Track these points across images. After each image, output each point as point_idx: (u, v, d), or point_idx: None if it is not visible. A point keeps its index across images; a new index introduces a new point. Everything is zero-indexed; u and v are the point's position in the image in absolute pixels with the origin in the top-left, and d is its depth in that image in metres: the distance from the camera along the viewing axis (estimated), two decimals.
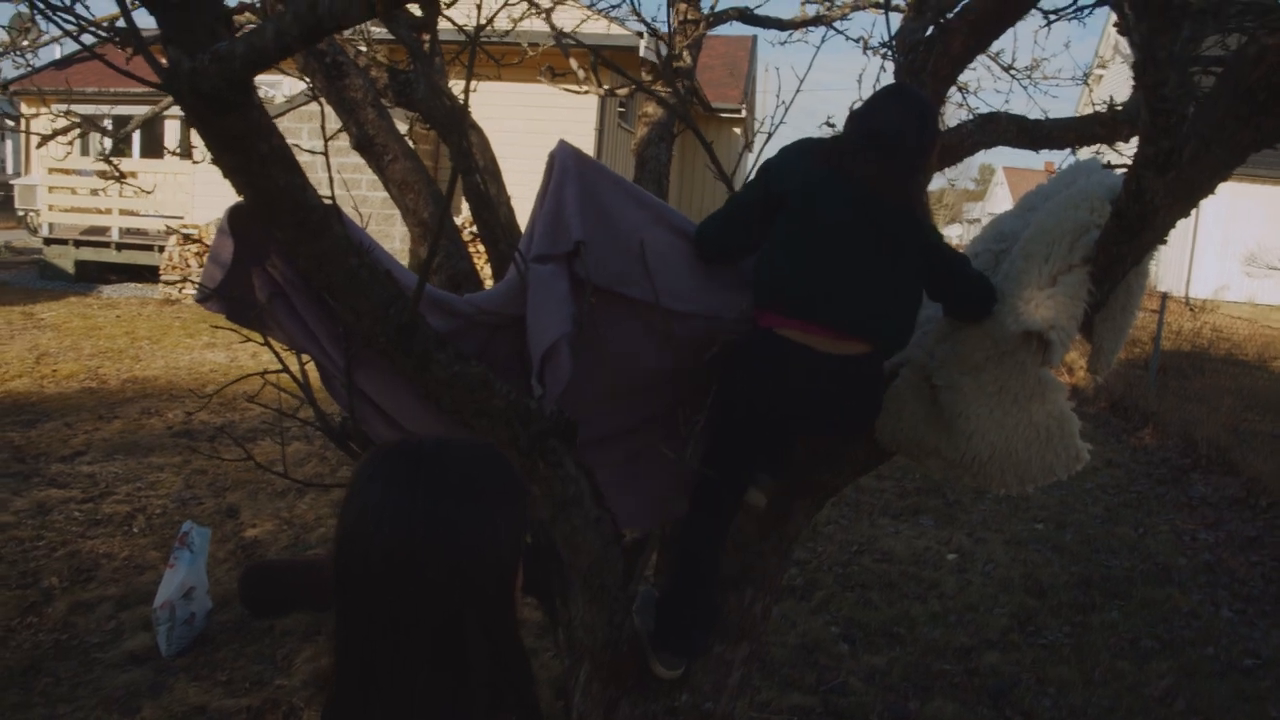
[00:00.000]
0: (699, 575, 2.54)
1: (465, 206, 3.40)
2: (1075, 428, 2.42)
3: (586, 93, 4.41)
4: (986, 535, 6.09)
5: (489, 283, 3.30)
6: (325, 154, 2.30)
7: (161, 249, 14.48)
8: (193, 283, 12.91)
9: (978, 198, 57.33)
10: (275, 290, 2.36)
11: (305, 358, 2.55)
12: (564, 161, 2.31)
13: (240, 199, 1.88)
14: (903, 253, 2.24)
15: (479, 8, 2.93)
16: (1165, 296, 11.85)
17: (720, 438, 2.47)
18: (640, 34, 6.52)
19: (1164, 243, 2.26)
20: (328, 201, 2.25)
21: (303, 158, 1.75)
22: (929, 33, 3.09)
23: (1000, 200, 49.01)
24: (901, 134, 2.25)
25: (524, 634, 4.14)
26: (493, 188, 3.27)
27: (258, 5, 3.57)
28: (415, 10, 3.44)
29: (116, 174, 5.04)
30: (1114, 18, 2.81)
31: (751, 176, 2.38)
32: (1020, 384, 2.32)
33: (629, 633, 2.49)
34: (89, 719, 3.60)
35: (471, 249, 3.89)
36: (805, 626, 4.60)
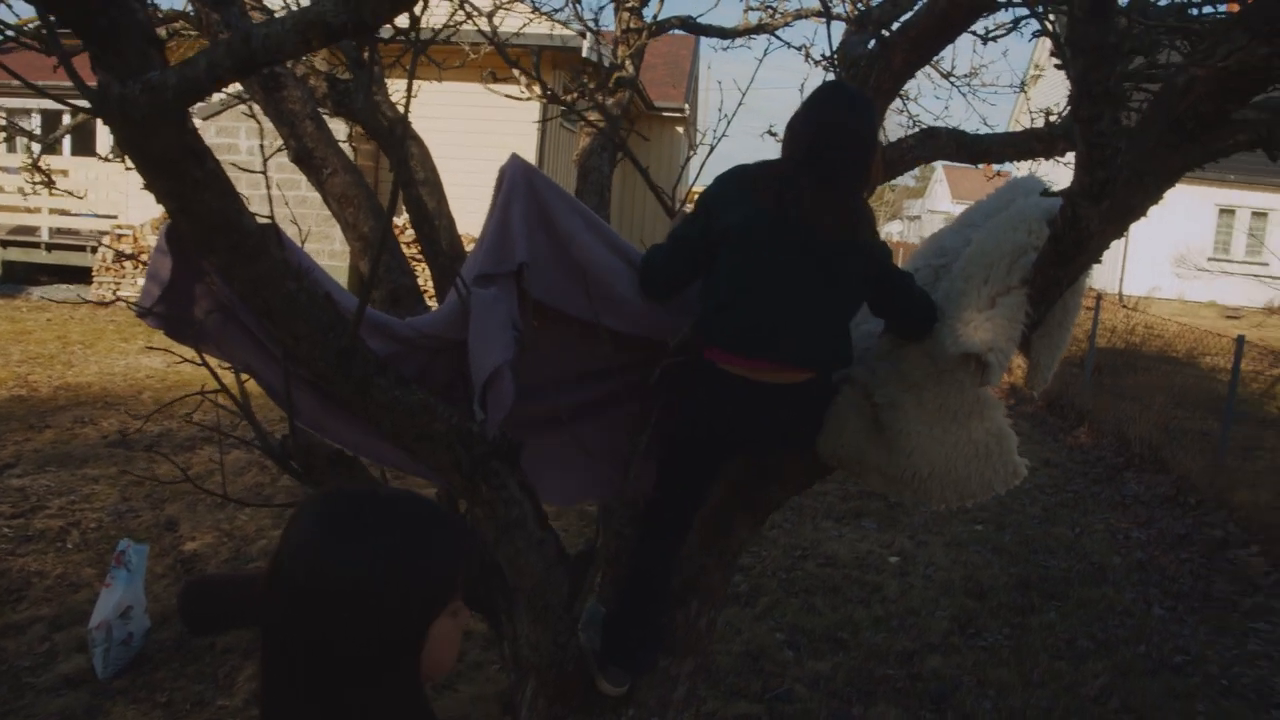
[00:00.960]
0: (649, 594, 2.56)
1: (406, 213, 3.36)
2: (1013, 444, 2.46)
3: (528, 99, 4.38)
4: (927, 538, 6.18)
5: (430, 298, 3.27)
6: (264, 173, 2.27)
7: (94, 249, 14.14)
8: (128, 302, 12.65)
9: (918, 194, 58.09)
10: (218, 306, 2.32)
11: (245, 376, 2.51)
12: (514, 177, 2.29)
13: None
14: (844, 281, 2.27)
15: (420, 13, 2.89)
16: (1100, 297, 12.12)
17: (667, 460, 2.48)
18: (583, 34, 6.50)
19: (1099, 262, 2.31)
20: (266, 221, 2.22)
21: (242, 157, 1.72)
22: (871, 46, 3.12)
23: (940, 197, 49.71)
24: (844, 151, 2.27)
25: (470, 646, 4.10)
26: (433, 200, 3.24)
27: (191, 14, 3.49)
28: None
29: (46, 179, 4.91)
30: (1053, 15, 2.86)
31: (690, 209, 2.38)
32: (959, 402, 2.35)
33: (574, 651, 2.49)
34: None
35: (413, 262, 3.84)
36: (750, 634, 4.62)
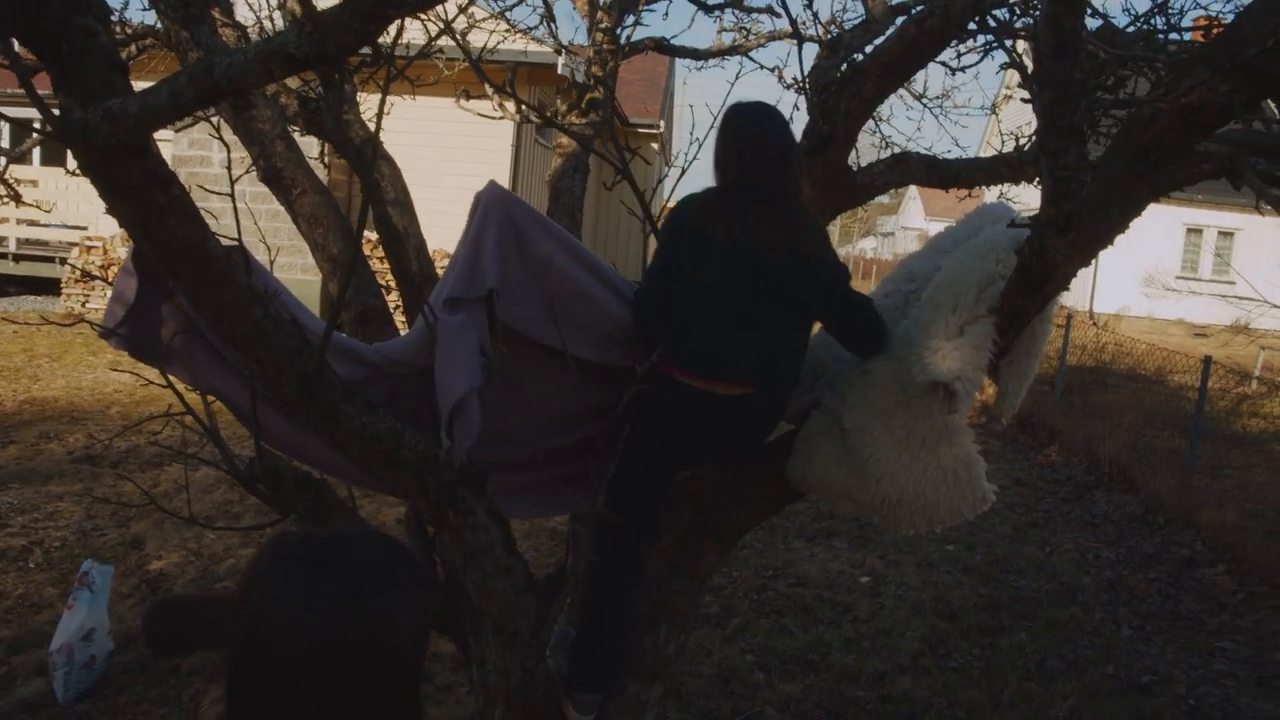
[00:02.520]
0: (612, 617, 2.56)
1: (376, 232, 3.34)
2: (982, 470, 2.47)
3: (501, 118, 4.38)
4: (899, 557, 6.19)
5: (399, 319, 3.25)
6: (232, 195, 2.25)
7: (63, 261, 13.99)
8: (92, 324, 12.52)
9: (891, 211, 58.54)
10: (184, 328, 2.29)
11: (211, 397, 2.48)
12: (488, 204, 2.29)
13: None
14: (792, 302, 2.38)
15: (395, 36, 2.89)
16: (1070, 316, 12.23)
17: (619, 480, 2.48)
18: (559, 51, 6.52)
19: (1066, 290, 2.33)
20: (233, 243, 2.20)
21: (216, 170, 1.70)
22: (842, 72, 3.14)
23: (913, 214, 50.08)
24: (769, 165, 2.41)
25: (439, 668, 4.06)
26: (404, 220, 3.22)
27: (160, 29, 3.47)
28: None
29: (13, 195, 4.85)
30: (1021, 47, 2.89)
31: (661, 239, 2.46)
32: (928, 429, 2.36)
33: (542, 677, 2.48)
34: None
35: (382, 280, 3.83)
36: (721, 655, 4.61)
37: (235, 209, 2.05)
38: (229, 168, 2.22)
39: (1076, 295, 22.40)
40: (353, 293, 2.99)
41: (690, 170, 3.22)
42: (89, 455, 7.01)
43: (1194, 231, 23.38)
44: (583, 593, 2.76)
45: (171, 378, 2.38)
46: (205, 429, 2.46)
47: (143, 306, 2.23)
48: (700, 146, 3.20)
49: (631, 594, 2.61)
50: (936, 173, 3.32)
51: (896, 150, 4.90)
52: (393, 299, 3.83)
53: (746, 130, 2.46)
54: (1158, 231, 21.72)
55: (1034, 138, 1.71)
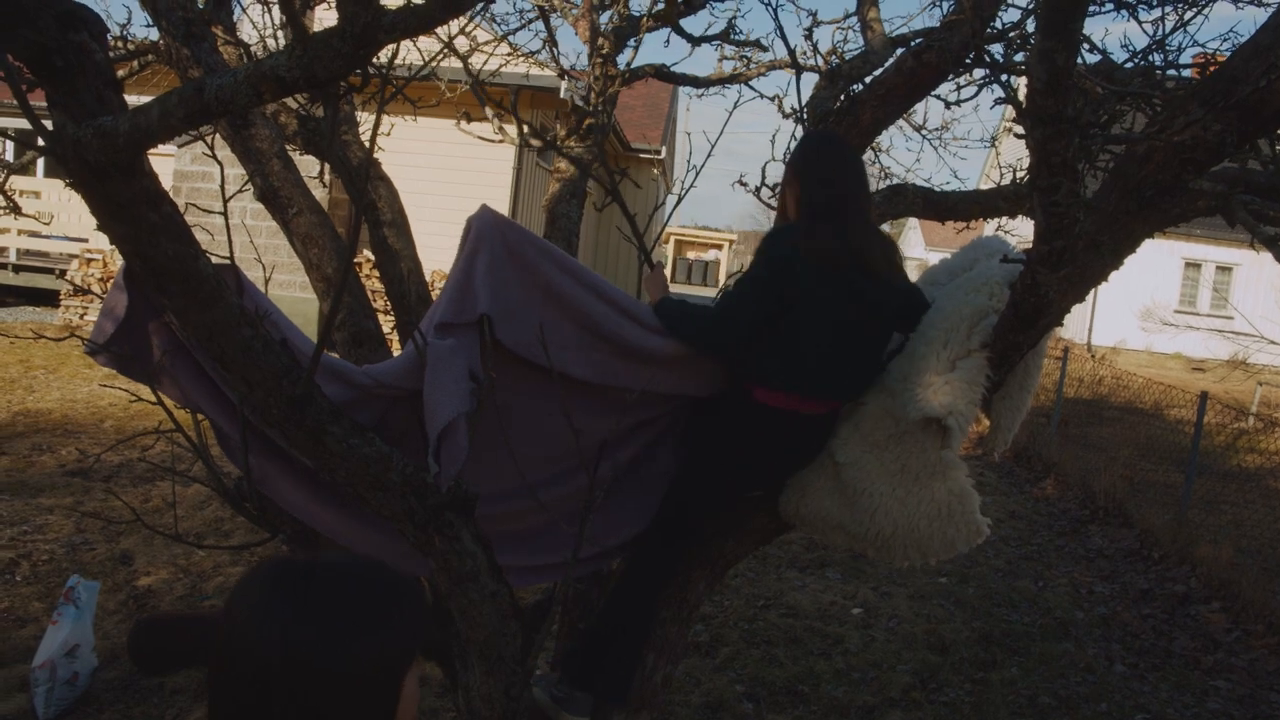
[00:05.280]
0: (634, 623, 2.61)
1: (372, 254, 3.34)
2: (975, 504, 2.45)
3: (501, 142, 4.39)
4: (891, 589, 6.16)
5: (391, 331, 3.24)
6: (225, 213, 2.24)
7: (63, 273, 13.99)
8: (81, 338, 12.51)
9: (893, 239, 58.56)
10: (175, 346, 2.28)
11: (202, 415, 2.47)
12: (481, 229, 2.28)
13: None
14: (884, 319, 2.50)
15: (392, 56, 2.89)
16: (1068, 348, 12.23)
17: (686, 497, 2.58)
18: (562, 75, 6.55)
19: (1060, 325, 2.33)
20: (224, 262, 2.19)
21: (219, 185, 1.70)
22: (840, 102, 3.15)
23: (913, 243, 50.16)
24: (856, 196, 2.53)
25: (425, 692, 4.03)
26: (400, 242, 3.22)
27: (161, 46, 3.48)
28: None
29: (13, 206, 4.86)
30: (1022, 84, 2.90)
31: (760, 271, 2.46)
32: (921, 463, 2.35)
33: (527, 704, 2.45)
34: None
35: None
36: (710, 685, 4.57)
37: (228, 225, 2.05)
38: (223, 186, 2.22)
39: (1074, 328, 22.43)
40: (346, 314, 2.99)
41: (698, 193, 3.22)
42: (81, 469, 6.97)
43: (1192, 266, 23.44)
44: (612, 592, 2.73)
45: (162, 395, 2.37)
46: (194, 446, 2.45)
47: (132, 323, 2.22)
48: (697, 174, 3.21)
49: (655, 607, 2.65)
50: (933, 205, 3.33)
51: (896, 181, 4.92)
52: (391, 322, 3.82)
53: (831, 159, 2.57)
54: (1156, 265, 21.80)
55: (1028, 172, 1.71)
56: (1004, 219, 3.79)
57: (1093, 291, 2.17)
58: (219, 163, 2.26)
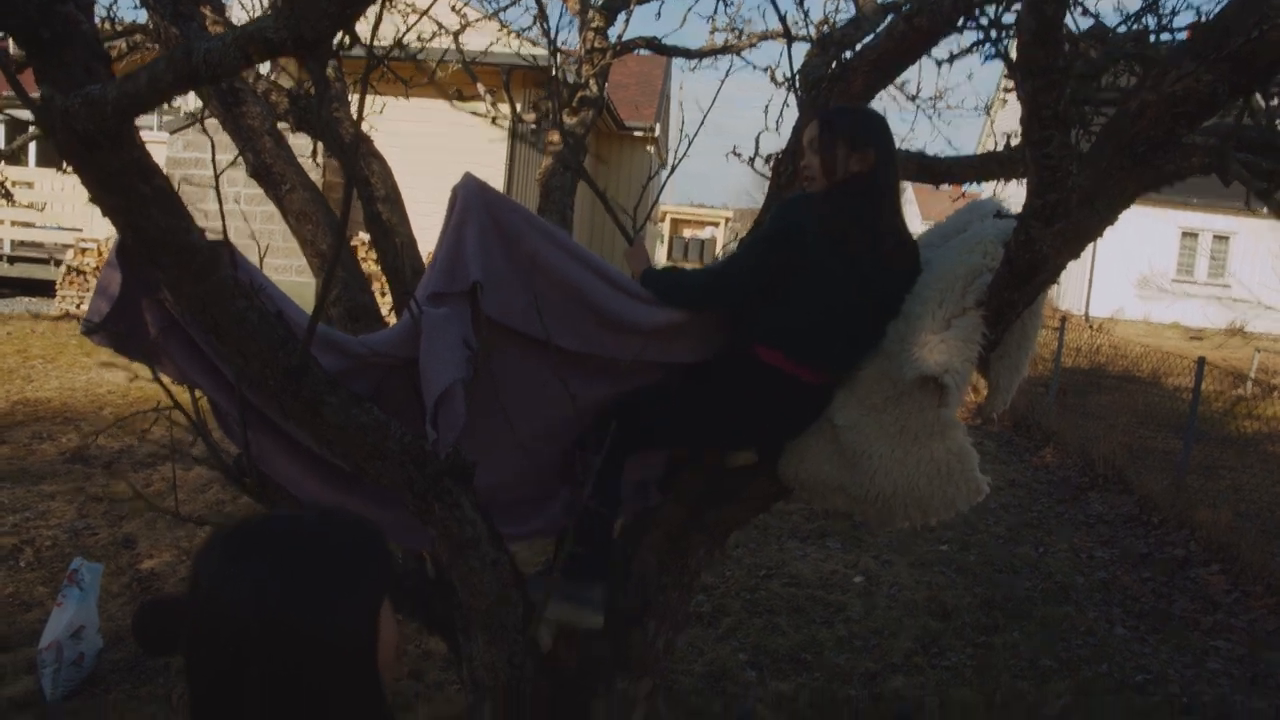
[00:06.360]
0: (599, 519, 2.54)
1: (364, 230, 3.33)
2: (974, 462, 2.46)
3: (494, 121, 4.38)
4: (892, 557, 6.18)
5: (389, 314, 3.24)
6: (216, 188, 2.24)
7: (58, 263, 13.95)
8: (78, 318, 12.44)
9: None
10: (169, 323, 2.28)
11: (199, 392, 2.48)
12: (467, 198, 2.27)
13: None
14: (890, 294, 2.45)
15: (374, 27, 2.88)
16: (1066, 318, 12.23)
17: (668, 423, 2.58)
18: (554, 53, 6.52)
19: (1056, 283, 2.33)
20: (217, 239, 2.19)
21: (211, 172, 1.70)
22: (831, 69, 3.14)
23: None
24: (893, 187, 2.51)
25: (429, 666, 4.05)
26: (394, 217, 3.21)
27: (149, 25, 3.46)
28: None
29: (5, 194, 4.85)
30: (1014, 45, 2.89)
31: (771, 235, 2.44)
32: (920, 423, 2.35)
33: (530, 672, 2.46)
34: None
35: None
36: (713, 654, 4.60)
37: (220, 198, 2.04)
38: (213, 160, 2.21)
39: (1072, 298, 22.42)
40: (341, 289, 2.98)
41: (689, 168, 3.22)
42: (82, 455, 6.99)
43: (1189, 235, 23.41)
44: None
45: (160, 373, 2.38)
46: (193, 423, 2.45)
47: (127, 300, 2.22)
48: (690, 144, 3.20)
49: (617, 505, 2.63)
50: (927, 169, 3.32)
51: None
52: (388, 304, 3.82)
53: (862, 132, 2.48)
54: (1153, 234, 21.77)
55: (1020, 125, 1.71)
56: (999, 184, 3.78)
57: (1090, 261, 2.17)
58: (211, 139, 2.25)
